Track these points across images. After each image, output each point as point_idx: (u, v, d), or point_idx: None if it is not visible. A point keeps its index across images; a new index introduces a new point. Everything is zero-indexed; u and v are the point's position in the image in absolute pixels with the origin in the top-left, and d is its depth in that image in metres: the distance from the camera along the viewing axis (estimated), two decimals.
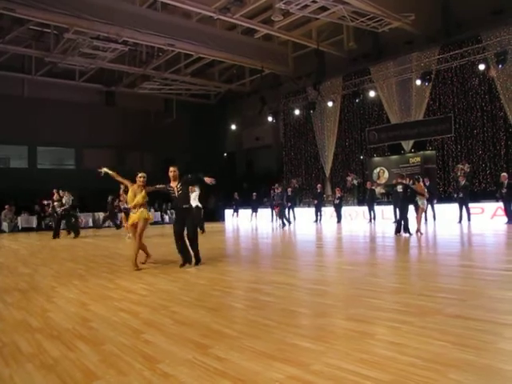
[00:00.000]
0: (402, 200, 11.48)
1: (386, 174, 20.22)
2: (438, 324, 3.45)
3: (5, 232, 19.95)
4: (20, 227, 21.16)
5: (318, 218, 19.96)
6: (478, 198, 16.30)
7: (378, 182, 19.34)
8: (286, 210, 18.77)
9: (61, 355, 3.11)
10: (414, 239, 10.55)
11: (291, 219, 19.22)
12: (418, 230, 11.41)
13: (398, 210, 12.06)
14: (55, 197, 15.82)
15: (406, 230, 11.39)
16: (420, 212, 11.73)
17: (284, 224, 17.62)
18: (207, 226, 22.39)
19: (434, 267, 6.46)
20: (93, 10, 16.26)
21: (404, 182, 11.60)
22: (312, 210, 20.76)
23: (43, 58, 20.63)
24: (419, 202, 11.56)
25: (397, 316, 3.74)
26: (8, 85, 23.19)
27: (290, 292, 5.03)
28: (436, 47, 18.04)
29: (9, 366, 2.96)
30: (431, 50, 18.14)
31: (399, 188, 11.52)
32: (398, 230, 11.63)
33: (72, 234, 15.62)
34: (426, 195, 11.89)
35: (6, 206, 20.65)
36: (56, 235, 15.26)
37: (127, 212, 15.20)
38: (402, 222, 11.47)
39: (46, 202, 16.96)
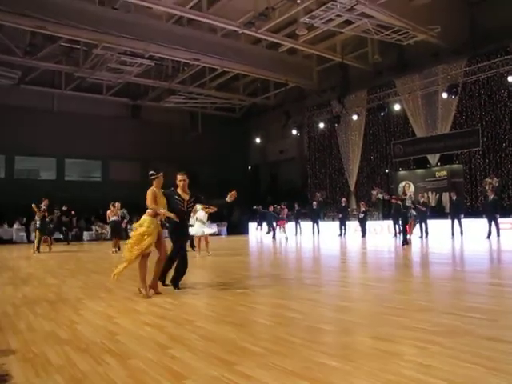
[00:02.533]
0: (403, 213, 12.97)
1: (412, 188, 19.91)
2: (468, 345, 3.35)
3: (33, 242, 20.33)
4: None
5: (343, 232, 19.81)
6: (507, 212, 15.93)
7: (403, 196, 19.06)
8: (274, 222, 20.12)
9: (89, 369, 3.14)
10: (440, 255, 10.36)
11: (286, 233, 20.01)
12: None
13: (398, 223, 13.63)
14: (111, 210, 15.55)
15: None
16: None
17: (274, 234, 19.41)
18: (231, 238, 22.42)
19: (462, 285, 6.31)
20: (121, 27, 16.69)
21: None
22: (336, 223, 20.62)
23: (72, 73, 21.23)
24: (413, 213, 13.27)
25: (425, 336, 3.66)
26: (39, 99, 23.92)
27: (315, 308, 4.99)
28: (463, 59, 17.84)
29: (39, 377, 3.01)
30: (458, 62, 17.94)
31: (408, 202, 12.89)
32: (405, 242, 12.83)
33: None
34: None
35: (36, 217, 21.06)
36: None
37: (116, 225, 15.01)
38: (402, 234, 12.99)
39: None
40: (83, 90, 23.79)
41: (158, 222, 5.94)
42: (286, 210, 20.21)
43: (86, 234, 22.78)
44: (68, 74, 22.35)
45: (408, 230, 13.30)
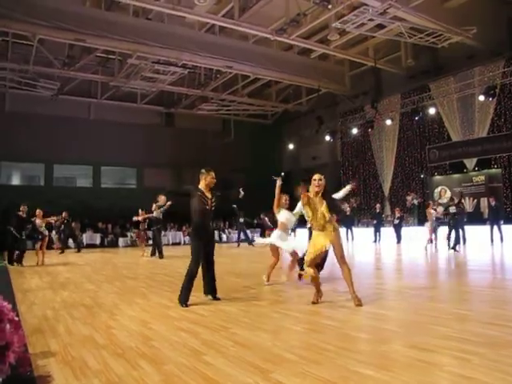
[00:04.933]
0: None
1: (448, 194, 19.46)
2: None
3: (71, 248, 20.88)
4: (85, 244, 22.13)
5: (377, 238, 19.51)
6: None
7: (440, 201, 18.62)
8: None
9: (125, 373, 3.18)
10: (479, 262, 10.05)
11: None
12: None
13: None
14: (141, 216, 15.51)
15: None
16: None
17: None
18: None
19: (504, 293, 6.10)
20: (154, 36, 17.01)
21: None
22: (371, 230, 20.33)
23: (108, 82, 21.73)
24: None
25: (466, 346, 3.54)
26: (76, 109, 24.60)
27: (350, 315, 4.91)
28: (500, 60, 17.32)
29: (78, 380, 3.07)
30: (495, 63, 17.44)
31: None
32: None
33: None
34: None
35: (73, 223, 21.66)
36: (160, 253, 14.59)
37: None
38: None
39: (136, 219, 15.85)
40: (118, 98, 24.32)
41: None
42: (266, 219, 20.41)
43: (121, 241, 23.22)
44: (104, 84, 22.91)
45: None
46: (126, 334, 4.32)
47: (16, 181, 25.82)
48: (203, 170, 6.04)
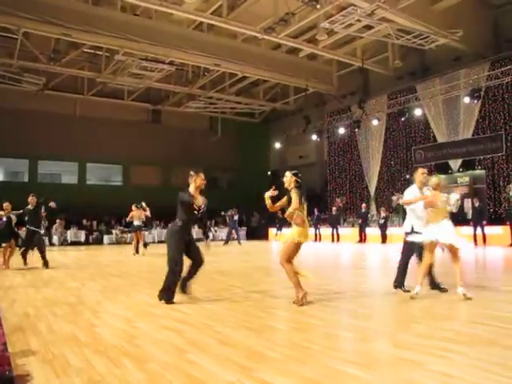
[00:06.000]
0: None
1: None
2: (494, 356, 3.26)
3: (55, 245, 20.67)
4: (69, 241, 21.91)
5: (362, 238, 19.64)
6: None
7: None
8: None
9: (107, 371, 3.15)
10: (462, 263, 10.13)
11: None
12: None
13: None
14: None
15: None
16: None
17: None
18: (250, 243, 22.38)
19: (485, 293, 6.17)
20: (142, 33, 16.86)
21: None
22: (356, 229, 20.46)
23: (95, 78, 21.51)
24: None
25: (448, 345, 3.58)
26: (62, 104, 24.31)
27: (334, 315, 4.93)
28: (485, 63, 17.52)
29: (59, 378, 3.03)
30: (480, 66, 17.64)
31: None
32: None
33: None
34: None
35: (57, 220, 21.44)
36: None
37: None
38: None
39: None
40: (105, 95, 24.10)
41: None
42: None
43: (106, 238, 23.03)
44: (90, 80, 22.67)
45: None
46: (110, 332, 4.28)
47: None
48: (192, 173, 5.93)
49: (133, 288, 7.13)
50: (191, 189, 5.86)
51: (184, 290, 5.91)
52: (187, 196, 5.79)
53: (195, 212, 5.87)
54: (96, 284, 7.71)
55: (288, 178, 5.59)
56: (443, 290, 6.07)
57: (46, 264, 10.34)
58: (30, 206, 10.46)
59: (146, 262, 12.05)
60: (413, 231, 6.10)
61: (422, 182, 6.16)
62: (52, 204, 10.93)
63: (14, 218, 10.79)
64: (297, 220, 5.37)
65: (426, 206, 5.74)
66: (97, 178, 27.72)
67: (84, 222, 23.36)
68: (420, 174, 6.19)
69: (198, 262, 5.90)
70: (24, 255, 10.58)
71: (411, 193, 6.12)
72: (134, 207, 14.80)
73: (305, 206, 5.53)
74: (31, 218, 10.42)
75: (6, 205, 10.72)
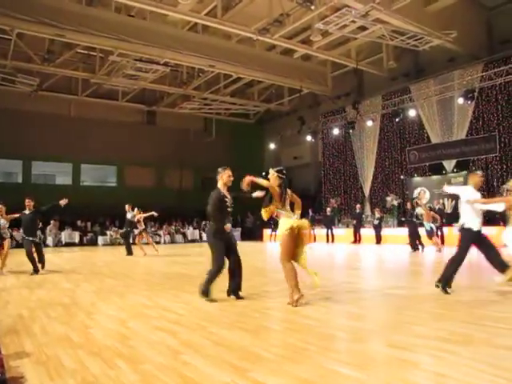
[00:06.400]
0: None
1: (427, 195, 19.72)
2: (486, 355, 3.28)
3: (49, 246, 20.56)
4: (63, 242, 21.82)
5: (357, 238, 19.67)
6: None
7: (419, 202, 18.83)
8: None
9: (101, 373, 3.14)
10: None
11: None
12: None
13: None
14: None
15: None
16: None
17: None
18: (247, 244, 22.35)
19: (480, 293, 6.20)
20: (136, 34, 16.82)
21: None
22: (351, 230, 20.50)
23: (89, 79, 21.46)
24: None
25: (441, 344, 3.59)
26: (56, 105, 24.23)
27: (328, 315, 4.94)
28: (479, 64, 17.62)
29: (53, 380, 3.01)
30: (474, 67, 17.74)
31: None
32: None
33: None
34: None
35: (52, 221, 21.36)
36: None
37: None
38: None
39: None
40: (99, 96, 24.04)
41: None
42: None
43: (100, 239, 22.94)
44: (84, 81, 22.60)
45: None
46: (103, 333, 4.26)
47: None
48: (219, 169, 5.98)
49: (127, 289, 7.11)
50: (219, 185, 5.91)
51: (237, 295, 5.95)
52: (217, 193, 5.83)
53: (228, 209, 5.88)
54: (90, 285, 7.68)
55: (271, 176, 5.60)
56: None
57: (35, 270, 9.42)
58: (26, 211, 9.77)
59: (141, 264, 12.02)
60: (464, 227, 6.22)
61: (479, 185, 6.31)
62: (63, 202, 10.44)
63: (3, 222, 9.90)
64: (278, 216, 5.42)
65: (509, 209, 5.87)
66: (91, 178, 27.64)
67: (78, 223, 23.27)
68: (479, 177, 6.33)
69: (235, 263, 5.91)
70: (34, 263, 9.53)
71: (470, 193, 6.18)
72: (129, 207, 14.79)
73: (287, 199, 5.54)
74: (26, 225, 9.75)
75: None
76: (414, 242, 14.16)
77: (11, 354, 3.60)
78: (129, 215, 14.68)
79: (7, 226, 10.14)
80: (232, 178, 5.92)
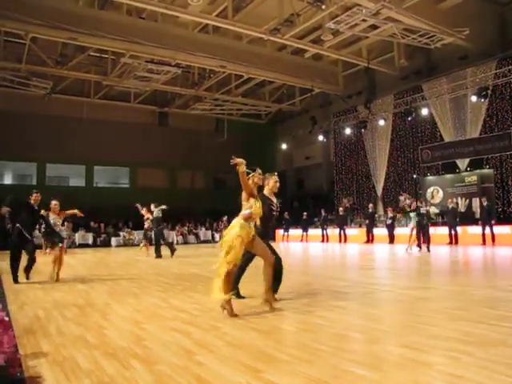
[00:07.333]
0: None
1: (441, 194, 19.58)
2: (502, 357, 3.24)
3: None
4: (77, 243, 22.03)
5: (370, 238, 19.58)
6: None
7: (432, 201, 18.68)
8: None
9: (116, 373, 3.17)
10: (471, 262, 10.10)
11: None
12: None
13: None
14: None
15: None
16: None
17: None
18: None
19: (494, 293, 6.13)
20: (148, 36, 16.98)
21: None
22: (363, 230, 20.41)
23: (101, 81, 21.67)
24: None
25: (456, 345, 3.57)
26: (69, 108, 24.52)
27: (342, 315, 4.92)
28: (492, 62, 17.44)
29: (69, 380, 3.05)
30: (487, 64, 17.55)
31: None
32: None
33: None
34: None
35: (65, 223, 21.52)
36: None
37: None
38: None
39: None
40: (111, 98, 24.28)
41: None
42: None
43: (113, 240, 23.13)
44: (97, 83, 22.85)
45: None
46: (118, 334, 4.30)
47: (8, 180, 25.68)
48: (267, 175, 5.91)
49: (141, 290, 7.16)
50: (266, 191, 5.88)
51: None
52: (264, 200, 5.64)
53: (274, 213, 5.85)
54: (104, 286, 7.75)
55: (256, 174, 5.58)
56: None
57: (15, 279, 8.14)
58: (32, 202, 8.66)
59: (154, 265, 12.10)
60: None
61: None
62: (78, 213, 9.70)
63: (54, 220, 9.06)
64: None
65: None
66: (104, 180, 27.89)
67: (92, 224, 23.48)
68: None
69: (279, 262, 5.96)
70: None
71: None
72: (141, 207, 14.82)
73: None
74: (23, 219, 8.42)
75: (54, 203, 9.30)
76: (419, 241, 14.19)
77: (28, 354, 3.65)
78: (155, 213, 14.26)
79: (59, 223, 9.19)
80: (278, 184, 5.89)
